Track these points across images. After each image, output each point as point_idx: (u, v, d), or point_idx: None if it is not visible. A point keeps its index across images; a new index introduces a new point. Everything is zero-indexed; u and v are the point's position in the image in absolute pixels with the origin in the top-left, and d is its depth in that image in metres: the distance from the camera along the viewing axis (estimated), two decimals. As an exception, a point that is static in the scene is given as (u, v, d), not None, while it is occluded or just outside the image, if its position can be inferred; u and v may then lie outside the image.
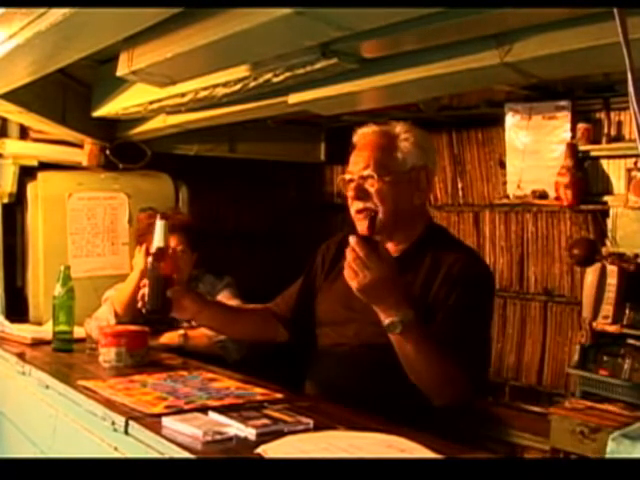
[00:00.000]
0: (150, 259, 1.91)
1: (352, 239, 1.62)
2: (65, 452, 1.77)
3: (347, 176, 1.85)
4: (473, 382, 1.67)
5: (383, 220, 1.78)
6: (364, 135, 1.90)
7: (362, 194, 1.80)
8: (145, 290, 1.91)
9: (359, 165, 1.83)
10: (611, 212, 2.83)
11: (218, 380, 1.86)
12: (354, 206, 1.82)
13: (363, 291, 1.60)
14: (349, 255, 1.60)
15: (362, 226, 1.77)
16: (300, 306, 2.04)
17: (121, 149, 3.32)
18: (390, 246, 1.84)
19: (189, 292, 2.00)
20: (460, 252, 1.83)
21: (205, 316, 2.02)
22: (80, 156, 3.28)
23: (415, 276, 1.78)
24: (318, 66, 2.01)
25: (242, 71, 2.18)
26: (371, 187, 1.79)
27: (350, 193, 1.82)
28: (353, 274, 1.59)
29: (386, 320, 1.60)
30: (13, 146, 3.17)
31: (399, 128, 1.88)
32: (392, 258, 1.71)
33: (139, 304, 1.94)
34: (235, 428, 1.39)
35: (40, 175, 3.20)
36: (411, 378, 1.64)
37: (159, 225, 1.94)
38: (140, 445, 1.41)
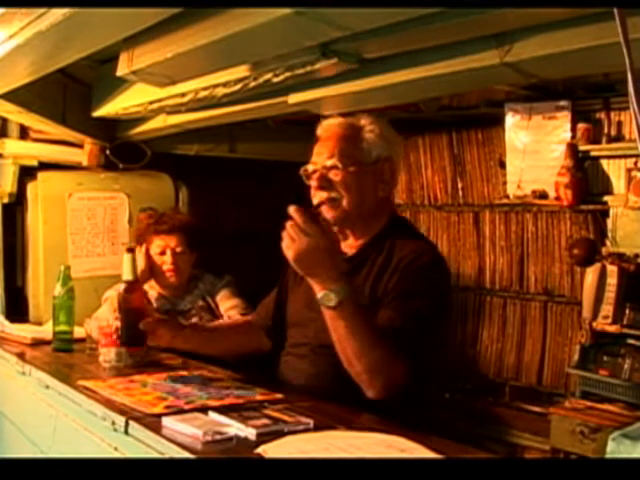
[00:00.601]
0: (121, 292, 1.92)
1: (291, 208, 1.60)
2: (65, 452, 1.77)
3: (310, 167, 1.81)
4: (408, 371, 1.59)
5: (347, 210, 1.75)
6: (329, 127, 1.86)
7: (326, 184, 1.77)
8: (118, 323, 1.95)
9: (323, 155, 1.79)
10: (611, 212, 2.83)
11: (218, 380, 1.86)
12: (317, 197, 1.78)
13: (299, 260, 1.58)
14: (287, 223, 1.58)
15: (326, 216, 1.74)
16: (278, 311, 2.03)
17: (121, 149, 3.32)
18: (351, 241, 1.83)
19: (162, 321, 2.00)
20: (414, 245, 1.77)
21: (182, 341, 2.01)
22: (80, 156, 3.28)
23: (369, 271, 1.76)
24: (318, 66, 2.01)
25: (242, 71, 2.18)
26: (335, 177, 1.76)
27: (313, 183, 1.79)
28: (290, 241, 1.57)
29: (320, 292, 1.56)
30: (13, 146, 3.17)
31: (364, 120, 1.85)
32: (333, 234, 1.69)
33: (114, 336, 1.97)
34: (235, 428, 1.39)
35: (40, 175, 3.20)
36: (343, 363, 1.60)
37: (126, 259, 1.97)
38: (140, 445, 1.41)
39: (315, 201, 1.78)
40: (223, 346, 2.13)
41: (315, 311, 1.77)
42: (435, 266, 1.76)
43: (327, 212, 1.77)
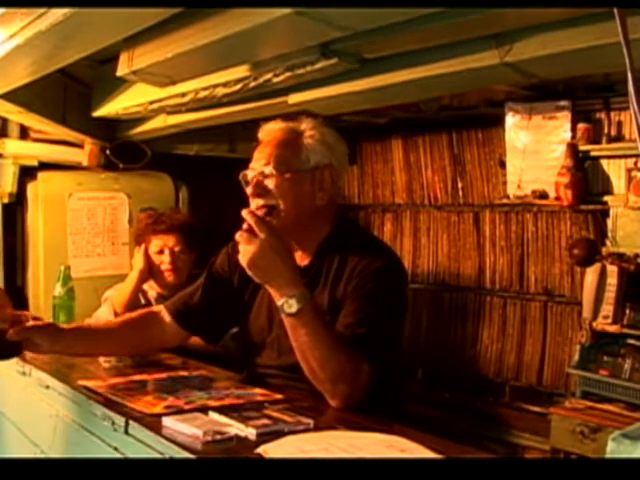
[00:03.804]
0: None
1: (244, 211, 1.61)
2: (65, 452, 1.77)
3: (248, 172, 1.80)
4: (370, 378, 1.59)
5: (284, 219, 1.73)
6: (269, 131, 1.83)
7: (261, 191, 1.74)
8: None
9: (260, 161, 1.77)
10: (611, 212, 2.82)
11: (218, 380, 1.86)
12: (254, 203, 1.75)
13: (254, 265, 1.56)
14: (237, 233, 1.58)
15: None
16: (207, 297, 1.95)
17: (121, 149, 3.32)
18: (299, 252, 1.80)
19: (35, 327, 1.83)
20: (366, 250, 1.75)
21: (65, 345, 1.85)
22: (80, 156, 3.29)
23: (325, 280, 1.74)
24: (318, 66, 2.01)
25: (242, 71, 2.18)
26: (270, 184, 1.74)
27: (249, 190, 1.77)
28: (245, 242, 1.56)
29: (281, 299, 1.55)
30: (13, 146, 3.18)
31: (305, 125, 1.81)
32: (288, 242, 1.67)
33: None
34: (235, 428, 1.39)
35: (40, 175, 3.21)
36: (305, 372, 1.59)
37: None
38: (140, 445, 1.41)
39: (252, 208, 1.74)
40: (118, 345, 1.97)
41: (275, 330, 1.77)
42: (389, 270, 1.73)
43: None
